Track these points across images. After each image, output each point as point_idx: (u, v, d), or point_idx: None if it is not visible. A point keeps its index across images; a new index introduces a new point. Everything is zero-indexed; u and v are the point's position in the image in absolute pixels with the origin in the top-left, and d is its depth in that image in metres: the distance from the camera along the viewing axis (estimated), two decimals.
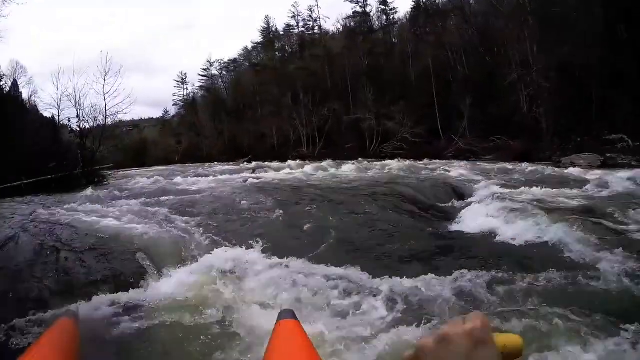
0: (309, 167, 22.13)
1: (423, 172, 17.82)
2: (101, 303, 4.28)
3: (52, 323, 1.39)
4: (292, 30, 60.54)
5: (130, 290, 4.71)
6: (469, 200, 10.16)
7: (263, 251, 5.90)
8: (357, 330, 3.53)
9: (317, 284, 4.60)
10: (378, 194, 11.05)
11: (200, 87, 67.83)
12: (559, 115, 27.89)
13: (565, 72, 28.19)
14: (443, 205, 10.10)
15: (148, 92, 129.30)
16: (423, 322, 3.56)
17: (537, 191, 9.86)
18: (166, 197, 11.05)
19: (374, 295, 4.26)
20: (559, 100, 28.03)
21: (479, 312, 0.61)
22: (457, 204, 10.02)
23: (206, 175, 18.77)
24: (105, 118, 23.67)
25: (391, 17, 52.43)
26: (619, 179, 11.71)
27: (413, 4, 50.28)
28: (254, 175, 18.57)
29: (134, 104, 26.42)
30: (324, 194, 11.27)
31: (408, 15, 50.86)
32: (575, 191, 10.12)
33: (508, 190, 10.25)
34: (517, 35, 31.42)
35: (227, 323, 3.83)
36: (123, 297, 4.48)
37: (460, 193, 11.46)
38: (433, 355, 0.57)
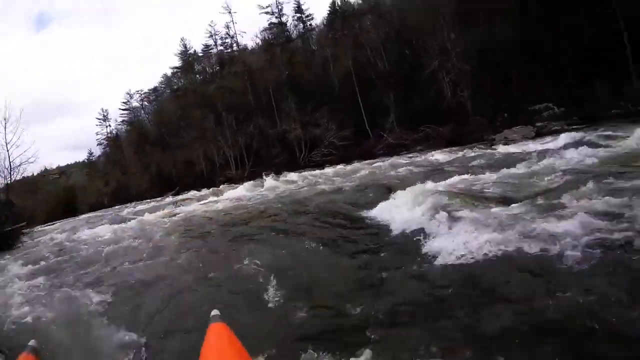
0: (232, 192, 19.67)
1: (351, 175, 16.17)
2: None
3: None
4: (210, 50, 58.49)
5: None
6: (399, 199, 8.17)
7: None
8: None
9: None
10: (298, 213, 9.19)
11: (123, 121, 64.07)
12: (483, 95, 27.80)
13: (484, 53, 28.34)
14: (369, 211, 7.91)
15: (72, 134, 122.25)
16: None
17: (468, 178, 8.94)
18: (66, 261, 8.82)
19: None
20: (481, 81, 28.05)
21: None
22: (382, 206, 7.81)
23: (121, 221, 15.63)
24: (11, 171, 20.16)
25: (308, 25, 51.44)
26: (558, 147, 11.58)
27: (329, 8, 49.51)
28: (172, 211, 15.80)
29: (58, 149, 23.02)
30: (236, 224, 9.50)
31: (325, 21, 50.00)
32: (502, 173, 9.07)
33: (439, 182, 8.90)
34: (433, 25, 31.30)
35: None
36: None
37: (389, 192, 9.67)
38: None
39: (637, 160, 7.62)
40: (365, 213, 7.67)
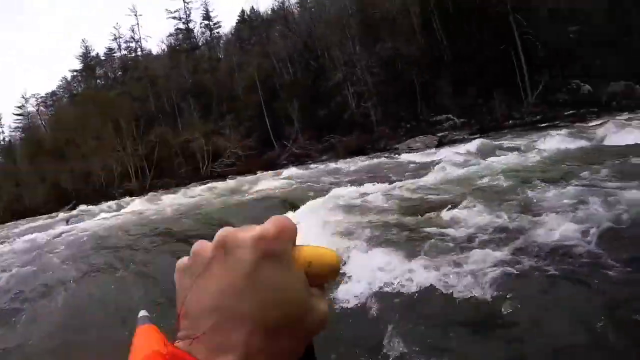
0: (130, 207, 17.73)
1: (249, 189, 15.06)
2: None
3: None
4: (113, 54, 54.88)
5: None
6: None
7: None
8: None
9: None
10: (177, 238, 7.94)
11: (17, 128, 58.49)
12: (386, 106, 28.13)
13: (388, 66, 28.82)
14: None
15: None
16: None
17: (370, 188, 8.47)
18: None
19: None
20: (384, 92, 28.32)
21: (283, 220, 0.44)
22: None
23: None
24: None
25: (215, 32, 49.82)
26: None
27: (238, 17, 48.41)
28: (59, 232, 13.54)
29: None
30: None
31: (233, 29, 48.82)
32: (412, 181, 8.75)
33: (336, 195, 8.23)
34: (340, 38, 31.30)
35: None
36: None
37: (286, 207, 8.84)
38: (210, 265, 0.41)
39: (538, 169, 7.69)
40: None
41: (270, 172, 22.75)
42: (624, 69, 27.82)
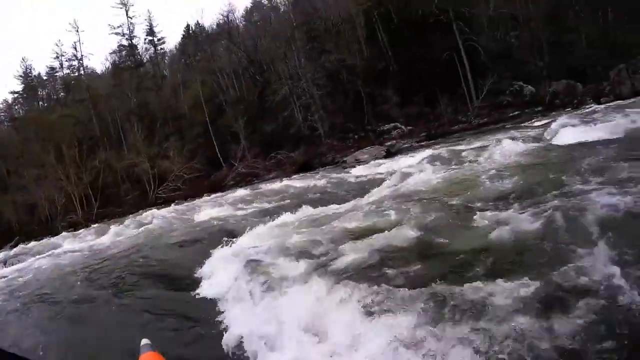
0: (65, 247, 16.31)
1: (187, 217, 13.97)
2: None
3: None
4: (56, 74, 52.00)
5: None
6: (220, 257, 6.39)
7: None
8: None
9: None
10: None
11: None
12: (334, 118, 27.91)
13: (334, 78, 28.69)
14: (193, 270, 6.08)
15: None
16: None
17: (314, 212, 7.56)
18: None
19: None
20: (331, 104, 28.15)
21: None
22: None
23: None
24: None
25: (159, 48, 48.08)
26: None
27: (183, 32, 47.16)
28: None
29: None
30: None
31: (178, 45, 47.45)
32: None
33: (273, 224, 7.35)
34: (284, 51, 31.02)
35: None
36: None
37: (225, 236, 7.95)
38: None
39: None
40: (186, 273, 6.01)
41: (212, 195, 21.93)
42: (564, 68, 28.41)
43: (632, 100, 20.52)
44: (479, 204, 5.20)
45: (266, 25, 39.00)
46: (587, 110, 20.51)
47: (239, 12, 46.25)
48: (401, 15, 31.43)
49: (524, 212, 4.35)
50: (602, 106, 20.79)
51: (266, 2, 44.79)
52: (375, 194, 8.32)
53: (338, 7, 33.84)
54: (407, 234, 4.61)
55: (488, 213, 4.70)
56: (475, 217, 4.67)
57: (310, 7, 35.71)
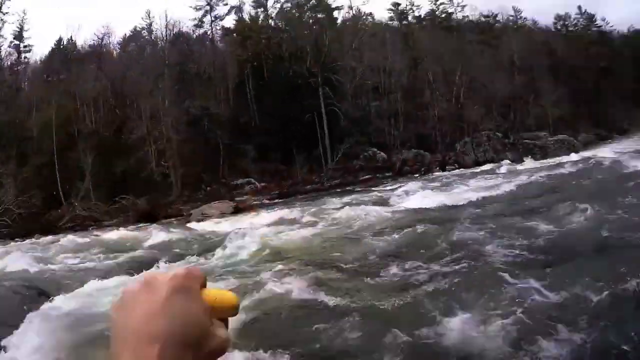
0: None
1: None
2: None
3: None
4: None
5: None
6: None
7: None
8: None
9: None
10: None
11: None
12: (188, 167, 27.34)
13: (196, 125, 28.53)
14: None
15: None
16: None
17: None
18: None
19: None
20: (188, 152, 27.66)
21: (193, 267, 0.61)
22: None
23: None
24: None
25: (24, 56, 43.72)
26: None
27: (54, 44, 43.79)
28: None
29: None
30: None
31: (44, 57, 43.72)
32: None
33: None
34: (151, 89, 30.09)
35: None
36: None
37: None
38: (135, 298, 0.55)
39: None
40: None
41: (45, 238, 20.17)
42: (416, 138, 30.88)
43: (473, 169, 23.19)
44: (314, 267, 5.58)
45: (139, 57, 37.86)
46: (432, 176, 22.75)
47: (116, 37, 43.97)
48: (273, 73, 32.38)
49: (374, 275, 4.67)
50: (447, 173, 23.43)
51: (146, 34, 43.38)
52: (218, 254, 8.25)
53: (214, 54, 33.99)
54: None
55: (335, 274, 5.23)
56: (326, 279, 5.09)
57: (187, 49, 35.48)
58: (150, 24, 40.77)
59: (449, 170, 25.34)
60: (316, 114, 29.12)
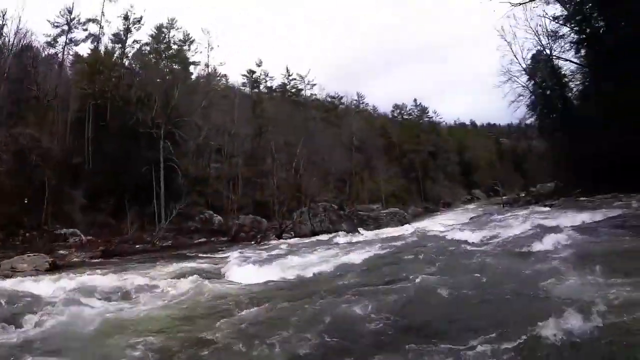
0: None
1: None
2: None
3: None
4: None
5: None
6: None
7: None
8: None
9: None
10: None
11: None
12: (7, 204, 24.18)
13: (23, 157, 25.17)
14: None
15: None
16: None
17: None
18: None
19: None
20: (9, 187, 24.53)
21: None
22: None
23: None
24: None
25: None
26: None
27: None
28: None
29: None
30: None
31: None
32: None
33: None
34: None
35: None
36: None
37: None
38: None
39: None
40: None
41: None
42: (254, 204, 31.67)
43: (310, 239, 23.52)
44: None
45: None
46: (269, 245, 22.43)
47: None
48: (116, 115, 30.80)
49: None
50: (284, 241, 23.38)
51: None
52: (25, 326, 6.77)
53: (59, 80, 31.08)
54: None
55: None
56: None
57: (31, 65, 31.47)
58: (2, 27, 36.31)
59: (286, 239, 25.02)
60: (154, 167, 28.17)
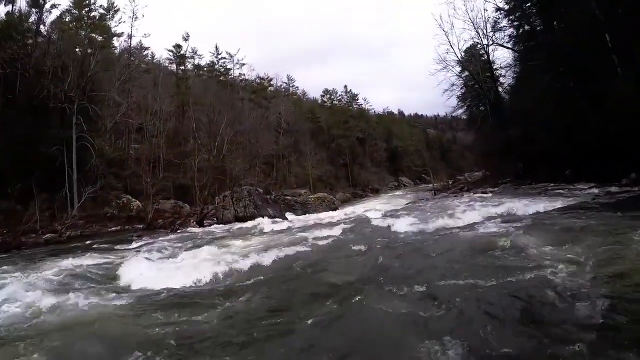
0: None
1: None
2: None
3: None
4: None
5: None
6: None
7: None
8: None
9: None
10: None
11: None
12: None
13: None
14: None
15: None
16: None
17: None
18: None
19: None
20: None
21: None
22: None
23: None
24: None
25: None
26: None
27: None
28: None
29: None
30: None
31: None
32: None
33: None
34: None
35: None
36: None
37: None
38: None
39: None
40: None
41: None
42: (175, 188, 30.35)
43: (232, 225, 21.98)
44: None
45: None
46: (188, 232, 20.21)
47: None
48: (27, 87, 27.63)
49: None
50: (204, 229, 21.41)
51: None
52: None
53: None
54: None
55: None
56: None
57: None
58: None
59: (207, 226, 23.47)
60: (66, 148, 25.85)
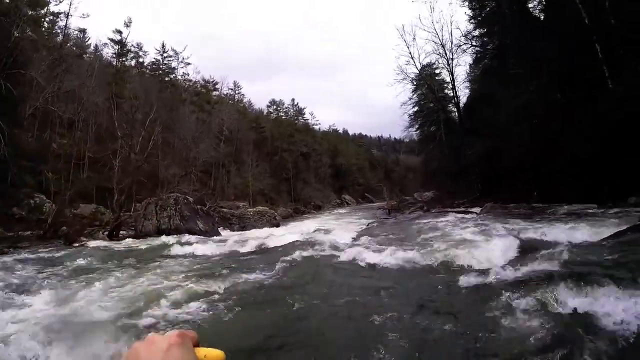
0: None
1: None
2: None
3: None
4: None
5: None
6: None
7: None
8: None
9: None
10: None
11: None
12: None
13: None
14: None
15: None
16: None
17: None
18: None
19: None
20: None
21: (187, 330, 0.82)
22: None
23: None
24: None
25: None
26: None
27: None
28: None
29: None
30: None
31: None
32: None
33: None
34: None
35: None
36: None
37: None
38: (141, 351, 0.75)
39: None
40: None
41: None
42: (97, 191, 27.50)
43: (151, 241, 17.75)
44: None
45: None
46: (83, 248, 14.97)
47: None
48: None
49: None
50: (109, 243, 17.72)
51: None
52: None
53: None
54: None
55: None
56: None
57: None
58: None
59: (119, 239, 19.67)
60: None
